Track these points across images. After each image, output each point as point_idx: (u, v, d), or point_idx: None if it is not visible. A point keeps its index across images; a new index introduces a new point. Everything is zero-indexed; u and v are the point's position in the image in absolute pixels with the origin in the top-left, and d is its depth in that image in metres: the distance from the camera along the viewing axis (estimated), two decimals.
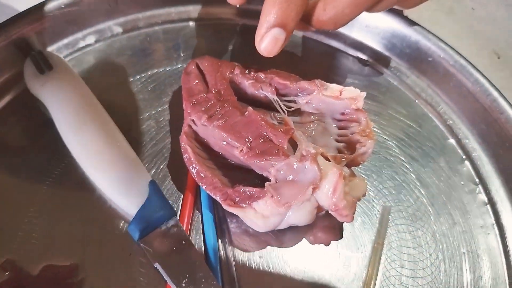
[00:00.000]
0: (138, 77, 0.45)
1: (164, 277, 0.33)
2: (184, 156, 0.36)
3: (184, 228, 0.36)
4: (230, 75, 0.40)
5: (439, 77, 0.47)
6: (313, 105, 0.38)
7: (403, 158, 0.43)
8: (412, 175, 0.43)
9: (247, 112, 0.36)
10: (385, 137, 0.45)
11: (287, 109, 0.39)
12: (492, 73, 0.51)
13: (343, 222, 0.38)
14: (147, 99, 0.44)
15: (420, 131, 0.46)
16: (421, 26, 0.47)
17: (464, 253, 0.39)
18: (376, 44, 0.50)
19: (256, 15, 0.34)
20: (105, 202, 0.37)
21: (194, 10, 0.50)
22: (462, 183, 0.43)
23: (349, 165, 0.37)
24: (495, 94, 0.44)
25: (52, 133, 0.39)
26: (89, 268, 0.34)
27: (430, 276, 0.37)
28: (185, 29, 0.50)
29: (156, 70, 0.46)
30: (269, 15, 0.32)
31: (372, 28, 0.49)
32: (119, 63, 0.46)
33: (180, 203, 0.38)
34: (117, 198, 0.36)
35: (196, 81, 0.39)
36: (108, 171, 0.36)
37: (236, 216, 0.36)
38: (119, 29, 0.48)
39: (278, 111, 0.39)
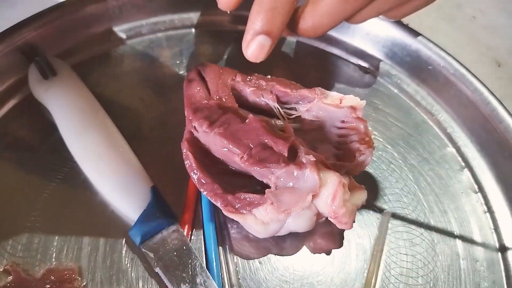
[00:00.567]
0: (141, 83, 0.46)
1: (165, 282, 0.34)
2: (185, 162, 0.37)
3: (185, 234, 0.36)
4: (232, 82, 0.41)
5: (439, 86, 0.47)
6: (313, 113, 0.39)
7: (403, 166, 0.44)
8: (412, 182, 0.43)
9: (248, 119, 0.36)
10: (385, 144, 0.45)
11: (288, 116, 0.39)
12: (493, 81, 0.52)
13: (343, 229, 0.38)
14: (149, 105, 0.44)
15: (420, 139, 0.46)
16: (421, 34, 0.48)
17: (463, 260, 0.39)
18: (377, 52, 0.50)
19: None
20: (107, 207, 0.38)
21: (197, 17, 0.51)
22: (461, 191, 0.43)
23: (349, 173, 0.37)
24: (495, 103, 0.44)
25: (56, 137, 0.40)
26: (91, 273, 0.35)
27: (429, 283, 0.38)
28: (188, 35, 0.50)
29: (159, 77, 0.46)
30: (255, 23, 0.33)
31: (373, 37, 0.50)
32: (122, 69, 0.46)
33: (182, 209, 0.38)
34: (119, 203, 0.37)
35: (198, 88, 0.40)
36: (110, 176, 0.37)
37: (236, 222, 0.36)
38: (123, 36, 0.48)
39: (279, 118, 0.39)
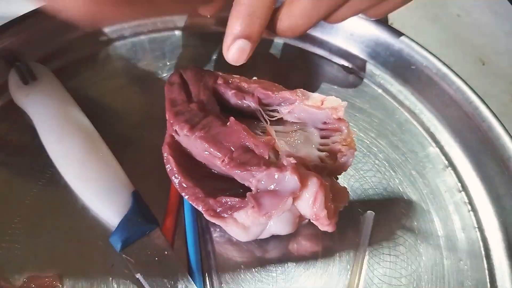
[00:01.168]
0: (123, 87, 0.45)
1: None
2: (166, 166, 0.36)
3: (167, 238, 0.36)
4: (214, 85, 0.40)
5: (422, 85, 0.48)
6: (295, 115, 0.39)
7: (386, 166, 0.44)
8: (395, 183, 0.43)
9: (229, 123, 0.36)
10: (368, 145, 0.45)
11: (270, 118, 0.39)
12: (477, 80, 0.52)
13: (326, 231, 0.38)
14: (131, 109, 0.44)
15: (404, 138, 0.46)
16: (404, 34, 0.48)
17: (446, 260, 0.39)
18: (360, 52, 0.50)
19: None
20: (88, 213, 0.37)
21: (179, 19, 0.50)
22: (445, 190, 0.43)
23: (331, 174, 0.37)
24: (477, 101, 0.44)
25: (36, 143, 0.39)
26: (71, 279, 0.35)
27: (412, 283, 0.38)
28: (171, 38, 0.50)
29: (141, 80, 0.46)
30: (234, 27, 0.34)
31: (357, 37, 0.50)
32: (104, 73, 0.46)
33: (164, 214, 0.38)
34: (100, 208, 0.36)
35: (179, 91, 0.39)
36: (90, 181, 0.36)
37: (219, 226, 0.36)
38: (105, 39, 0.48)
39: (261, 121, 0.39)
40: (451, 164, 0.45)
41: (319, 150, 0.38)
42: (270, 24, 0.36)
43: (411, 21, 0.57)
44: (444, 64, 0.46)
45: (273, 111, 0.40)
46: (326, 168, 0.36)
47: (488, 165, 0.44)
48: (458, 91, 0.45)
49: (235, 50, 0.35)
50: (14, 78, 0.41)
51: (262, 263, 0.37)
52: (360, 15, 0.42)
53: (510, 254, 0.40)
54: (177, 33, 0.50)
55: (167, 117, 0.39)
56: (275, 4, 0.35)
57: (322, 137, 0.39)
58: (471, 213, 0.43)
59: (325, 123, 0.38)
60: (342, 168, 0.37)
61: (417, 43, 0.48)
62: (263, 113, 0.39)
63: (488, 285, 0.39)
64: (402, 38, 0.48)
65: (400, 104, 0.48)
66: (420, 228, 0.41)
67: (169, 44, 0.50)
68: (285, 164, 0.34)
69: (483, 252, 0.41)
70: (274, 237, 0.36)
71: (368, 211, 0.41)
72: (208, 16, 0.37)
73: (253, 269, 0.37)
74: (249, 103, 0.39)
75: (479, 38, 0.59)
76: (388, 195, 0.42)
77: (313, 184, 0.33)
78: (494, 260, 0.40)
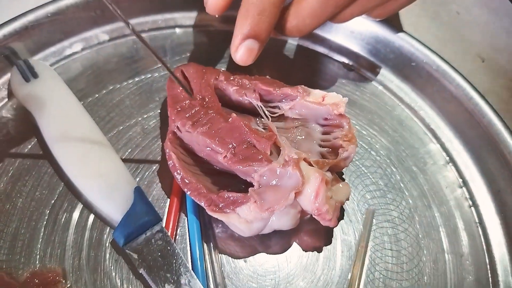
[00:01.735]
0: (125, 84, 0.45)
1: (149, 283, 0.34)
2: (168, 163, 0.37)
3: (170, 234, 0.36)
4: (215, 82, 0.41)
5: (422, 82, 0.48)
6: (297, 111, 0.39)
7: (387, 162, 0.44)
8: (396, 178, 0.43)
9: (231, 119, 0.36)
10: (369, 141, 0.45)
11: (271, 115, 0.39)
12: (477, 76, 0.52)
13: (328, 226, 0.38)
14: (133, 106, 0.44)
15: (404, 135, 0.46)
16: (404, 31, 0.48)
17: (447, 255, 0.40)
18: (360, 50, 0.50)
19: None
20: (91, 209, 0.37)
21: (180, 17, 0.50)
22: (446, 186, 0.44)
23: (333, 169, 0.37)
24: (477, 98, 0.45)
25: (38, 140, 0.40)
26: (75, 275, 0.35)
27: (414, 278, 0.38)
28: (172, 36, 0.50)
29: (143, 77, 0.46)
30: (242, 27, 0.34)
31: (357, 34, 0.50)
32: (106, 70, 0.46)
33: (166, 209, 0.38)
34: (103, 204, 0.36)
35: (180, 88, 0.40)
36: (93, 177, 0.36)
37: (221, 221, 0.36)
38: (105, 37, 0.48)
39: (262, 117, 0.40)
40: (452, 160, 0.45)
41: (321, 146, 0.39)
42: (277, 24, 0.36)
43: (411, 18, 0.57)
44: (444, 60, 0.47)
45: (275, 107, 0.40)
46: (327, 164, 0.36)
47: (489, 160, 0.44)
48: (458, 88, 0.46)
49: (244, 50, 0.35)
50: (16, 76, 0.41)
51: (264, 258, 0.37)
52: (363, 16, 0.42)
53: (511, 249, 0.40)
54: (178, 31, 0.50)
55: (169, 114, 0.39)
56: (283, 3, 0.35)
57: (324, 133, 0.39)
58: (472, 208, 0.43)
59: (326, 119, 0.39)
60: (344, 163, 0.37)
61: (417, 40, 0.48)
62: (264, 109, 0.39)
63: (490, 279, 0.39)
64: (402, 35, 0.48)
65: (401, 101, 0.48)
66: (421, 224, 0.41)
67: (169, 42, 0.50)
68: (287, 159, 0.34)
69: (484, 247, 0.41)
70: (276, 233, 0.36)
71: (370, 207, 0.41)
72: (216, 16, 0.37)
73: (256, 264, 0.37)
74: (251, 99, 0.39)
75: (479, 35, 0.59)
76: (389, 190, 0.42)
77: (315, 179, 0.33)
78: (495, 255, 0.40)
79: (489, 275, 0.39)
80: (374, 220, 0.40)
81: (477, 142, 0.45)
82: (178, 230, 0.38)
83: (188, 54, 0.49)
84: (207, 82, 0.40)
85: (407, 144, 0.45)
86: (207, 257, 0.36)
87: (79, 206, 0.38)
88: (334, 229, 0.39)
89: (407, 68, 0.48)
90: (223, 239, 0.38)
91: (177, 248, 0.35)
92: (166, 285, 0.33)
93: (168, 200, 0.39)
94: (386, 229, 0.40)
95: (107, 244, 0.36)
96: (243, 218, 0.34)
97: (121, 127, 0.42)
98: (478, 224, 0.42)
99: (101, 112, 0.43)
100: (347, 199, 0.37)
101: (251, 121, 0.40)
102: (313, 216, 0.34)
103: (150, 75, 0.47)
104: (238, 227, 0.34)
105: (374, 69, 0.50)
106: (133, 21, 0.49)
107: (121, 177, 0.37)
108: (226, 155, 0.35)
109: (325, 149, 0.39)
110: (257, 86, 0.40)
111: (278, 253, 0.38)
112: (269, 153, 0.35)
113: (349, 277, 0.37)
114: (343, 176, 0.42)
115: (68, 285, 0.34)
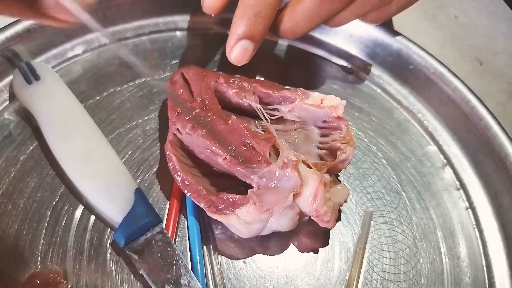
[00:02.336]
0: (125, 86, 0.46)
1: (150, 284, 0.34)
2: (169, 164, 0.37)
3: (170, 235, 0.37)
4: (215, 84, 0.41)
5: (420, 85, 0.48)
6: (295, 113, 0.39)
7: (385, 164, 0.44)
8: (394, 180, 0.43)
9: (230, 121, 0.37)
10: (367, 143, 0.46)
11: (270, 117, 0.40)
12: (474, 79, 0.52)
13: (326, 228, 0.39)
14: (134, 108, 0.44)
15: (402, 137, 0.47)
16: (402, 35, 0.49)
17: (445, 256, 0.40)
18: (359, 53, 0.51)
19: None
20: (92, 210, 0.38)
21: (181, 20, 0.51)
22: (443, 188, 0.44)
23: (331, 171, 0.38)
24: (475, 101, 0.45)
25: (40, 142, 0.40)
26: (76, 276, 0.35)
27: (411, 279, 0.38)
28: (172, 38, 0.50)
29: (143, 80, 0.47)
30: (238, 28, 0.35)
31: (356, 37, 0.50)
32: (107, 72, 0.47)
33: (166, 211, 0.39)
34: (103, 205, 0.37)
35: (181, 91, 0.40)
36: (94, 179, 0.37)
37: (221, 223, 0.37)
38: (107, 40, 0.49)
39: (261, 120, 0.40)
40: (449, 163, 0.46)
41: (319, 148, 0.39)
42: (272, 25, 0.37)
43: (409, 22, 0.58)
44: (442, 64, 0.47)
45: (274, 110, 0.40)
46: (325, 166, 0.37)
47: (486, 163, 0.44)
48: (455, 91, 0.46)
49: (238, 50, 0.35)
50: (18, 78, 0.41)
51: (263, 260, 0.38)
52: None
53: (508, 251, 0.41)
54: (178, 33, 0.51)
55: (169, 116, 0.39)
56: (279, 5, 0.35)
57: (322, 136, 0.40)
58: (469, 210, 0.43)
59: (324, 121, 0.39)
60: (342, 165, 0.38)
61: (415, 43, 0.48)
62: (263, 112, 0.40)
63: (486, 281, 0.39)
64: (400, 38, 0.48)
65: (399, 104, 0.49)
66: (418, 226, 0.41)
67: (170, 45, 0.50)
68: (286, 161, 0.34)
69: (481, 249, 0.41)
70: (275, 234, 0.37)
71: (368, 209, 0.41)
72: (213, 15, 0.37)
73: (255, 265, 0.37)
74: (250, 102, 0.40)
75: (476, 39, 0.59)
76: (387, 192, 0.43)
77: (313, 181, 0.34)
78: (492, 257, 0.41)
79: (486, 277, 0.40)
80: (372, 222, 0.41)
81: (474, 145, 0.45)
82: (178, 231, 0.38)
83: (188, 57, 0.49)
84: (207, 84, 0.41)
85: (405, 147, 0.46)
86: (206, 258, 0.37)
87: (80, 208, 0.38)
88: (332, 230, 0.40)
89: (405, 71, 0.49)
90: (222, 241, 0.38)
91: (177, 249, 0.36)
92: (166, 285, 0.34)
93: (168, 201, 0.39)
94: (384, 231, 0.40)
95: (108, 245, 0.37)
96: (242, 220, 0.34)
97: (122, 129, 0.43)
98: (475, 226, 0.42)
99: (102, 114, 0.43)
100: (345, 201, 0.38)
101: (251, 123, 0.40)
102: (312, 217, 0.35)
103: (150, 78, 0.47)
104: (238, 229, 0.34)
105: (372, 72, 0.50)
106: (134, 24, 0.50)
107: (122, 179, 0.37)
108: (225, 157, 0.35)
109: (324, 151, 0.39)
110: (257, 88, 0.40)
111: (277, 255, 0.38)
112: (268, 155, 0.35)
113: (347, 278, 0.38)
114: (341, 178, 0.43)
115: (69, 286, 0.35)
